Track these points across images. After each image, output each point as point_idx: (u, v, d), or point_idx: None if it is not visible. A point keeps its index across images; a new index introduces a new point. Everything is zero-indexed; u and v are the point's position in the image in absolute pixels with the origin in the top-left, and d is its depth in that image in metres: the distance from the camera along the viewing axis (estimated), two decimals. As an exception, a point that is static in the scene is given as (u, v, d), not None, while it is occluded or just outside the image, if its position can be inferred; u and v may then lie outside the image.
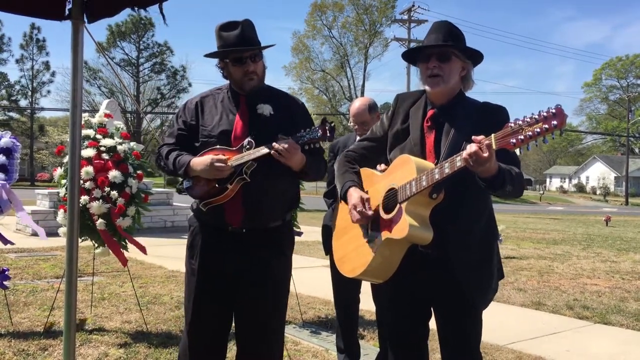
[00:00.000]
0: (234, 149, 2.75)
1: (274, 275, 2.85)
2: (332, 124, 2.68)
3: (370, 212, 2.47)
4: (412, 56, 2.65)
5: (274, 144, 2.64)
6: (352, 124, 4.10)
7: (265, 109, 2.83)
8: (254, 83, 2.81)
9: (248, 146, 2.71)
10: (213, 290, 2.82)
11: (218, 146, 2.77)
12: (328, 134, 2.67)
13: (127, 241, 4.82)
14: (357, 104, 4.06)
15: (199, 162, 2.73)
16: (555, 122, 1.90)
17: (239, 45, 2.74)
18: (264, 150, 2.66)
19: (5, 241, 4.82)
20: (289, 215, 2.99)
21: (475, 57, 2.54)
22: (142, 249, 4.82)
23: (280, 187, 2.84)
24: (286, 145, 2.62)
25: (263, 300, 2.82)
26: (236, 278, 2.81)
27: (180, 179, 2.94)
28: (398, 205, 2.37)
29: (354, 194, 2.54)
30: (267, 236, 2.82)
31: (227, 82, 2.95)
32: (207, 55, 2.86)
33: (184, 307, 3.00)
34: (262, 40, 2.84)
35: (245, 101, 2.86)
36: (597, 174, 71.20)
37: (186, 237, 2.99)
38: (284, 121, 2.82)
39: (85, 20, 2.68)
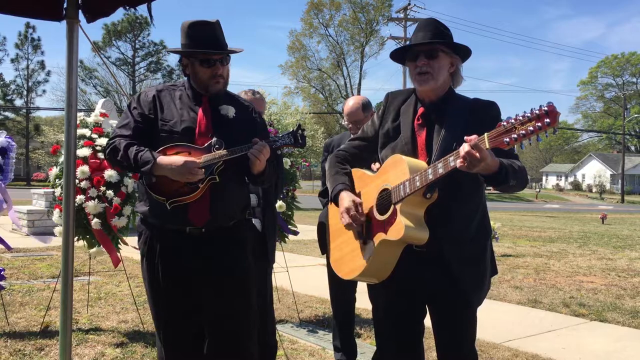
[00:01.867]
0: (201, 147, 2.70)
1: (237, 271, 2.80)
2: (304, 132, 2.74)
3: (362, 218, 2.47)
4: (400, 56, 2.65)
5: (253, 145, 2.66)
6: (346, 122, 4.09)
7: (230, 111, 2.82)
8: (219, 86, 2.80)
9: (217, 146, 2.68)
10: (181, 296, 2.76)
11: (182, 143, 2.70)
12: (300, 141, 2.72)
13: (120, 241, 4.81)
14: (351, 102, 4.04)
15: (169, 162, 2.61)
16: (548, 120, 1.89)
17: (211, 47, 2.72)
18: (240, 151, 2.66)
19: (7, 246, 4.84)
20: (245, 212, 2.96)
21: (464, 52, 2.53)
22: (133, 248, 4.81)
23: (241, 187, 2.86)
24: (263, 149, 2.64)
25: (230, 298, 2.77)
26: (200, 278, 2.75)
27: (140, 175, 2.81)
28: (392, 206, 2.37)
29: (346, 198, 2.52)
30: (226, 234, 2.79)
31: (184, 78, 2.90)
32: (171, 51, 2.83)
33: (152, 316, 2.90)
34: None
35: (207, 100, 2.82)
36: (593, 171, 71.32)
37: None
38: (246, 124, 2.83)
39: (84, 19, 2.68)
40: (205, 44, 2.71)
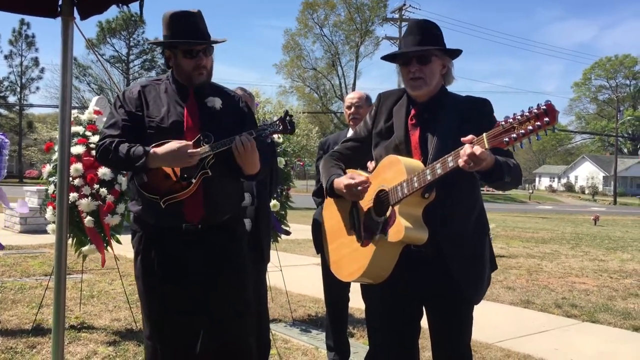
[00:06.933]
0: (190, 142, 2.64)
1: (234, 265, 2.79)
2: (292, 117, 2.72)
3: (368, 185, 2.45)
4: (393, 57, 2.65)
5: (237, 138, 2.58)
6: (347, 113, 4.10)
7: (216, 103, 2.77)
8: (203, 77, 2.75)
9: (206, 139, 2.63)
10: (177, 294, 2.72)
11: (171, 140, 2.62)
12: (289, 127, 2.69)
13: (109, 240, 4.79)
14: (354, 93, 4.20)
15: (163, 150, 2.56)
16: (547, 119, 1.90)
17: (193, 37, 2.67)
18: (227, 144, 2.60)
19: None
20: (240, 206, 2.94)
21: (454, 52, 2.54)
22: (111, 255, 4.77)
23: (234, 181, 2.82)
24: (249, 143, 2.57)
25: (227, 295, 2.75)
26: (197, 276, 2.72)
27: (131, 175, 2.76)
28: (391, 208, 2.37)
29: (342, 177, 2.54)
30: (222, 230, 2.76)
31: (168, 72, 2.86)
32: (152, 43, 2.78)
33: (144, 318, 2.83)
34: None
35: (193, 93, 2.78)
36: (586, 173, 71.59)
37: None
38: (233, 116, 2.79)
39: (77, 17, 2.67)
40: (187, 34, 2.66)
